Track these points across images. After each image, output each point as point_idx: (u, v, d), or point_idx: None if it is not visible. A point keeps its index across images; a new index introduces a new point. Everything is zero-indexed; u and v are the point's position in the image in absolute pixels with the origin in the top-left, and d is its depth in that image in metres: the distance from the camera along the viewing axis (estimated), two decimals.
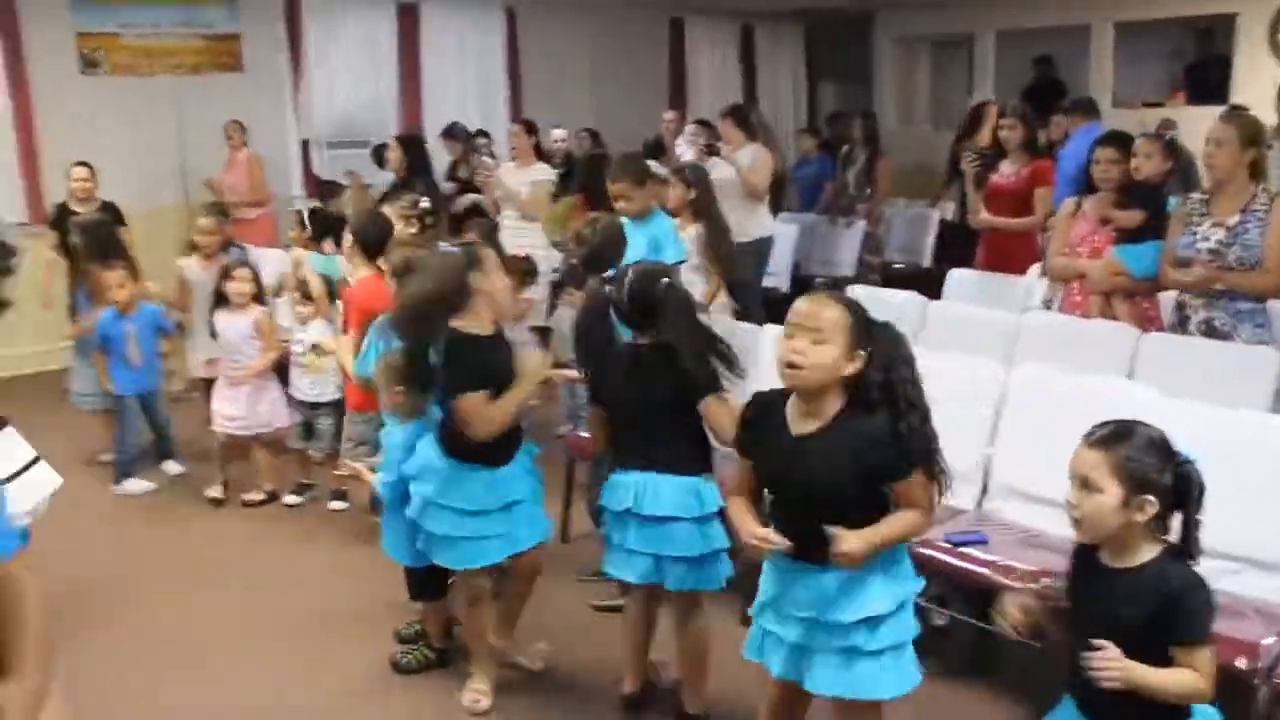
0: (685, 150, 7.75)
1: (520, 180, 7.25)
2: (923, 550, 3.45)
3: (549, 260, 6.48)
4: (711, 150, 7.10)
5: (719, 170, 7.06)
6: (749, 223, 7.04)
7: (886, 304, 5.74)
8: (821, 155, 9.86)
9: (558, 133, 9.16)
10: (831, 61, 13.53)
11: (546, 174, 7.31)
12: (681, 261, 4.98)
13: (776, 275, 7.77)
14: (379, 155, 8.50)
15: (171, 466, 5.96)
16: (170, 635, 4.23)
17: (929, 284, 6.26)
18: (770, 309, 6.41)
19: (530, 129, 7.65)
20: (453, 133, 9.07)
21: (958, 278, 6.18)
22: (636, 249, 4.44)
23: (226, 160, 8.89)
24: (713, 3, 11.58)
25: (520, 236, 6.83)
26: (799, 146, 10.57)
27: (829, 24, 12.27)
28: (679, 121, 9.19)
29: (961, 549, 3.58)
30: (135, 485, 5.74)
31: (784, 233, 8.03)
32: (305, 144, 9.82)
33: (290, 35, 9.62)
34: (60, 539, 4.81)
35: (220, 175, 8.80)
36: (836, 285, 6.62)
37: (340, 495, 5.39)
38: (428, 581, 3.88)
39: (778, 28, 12.87)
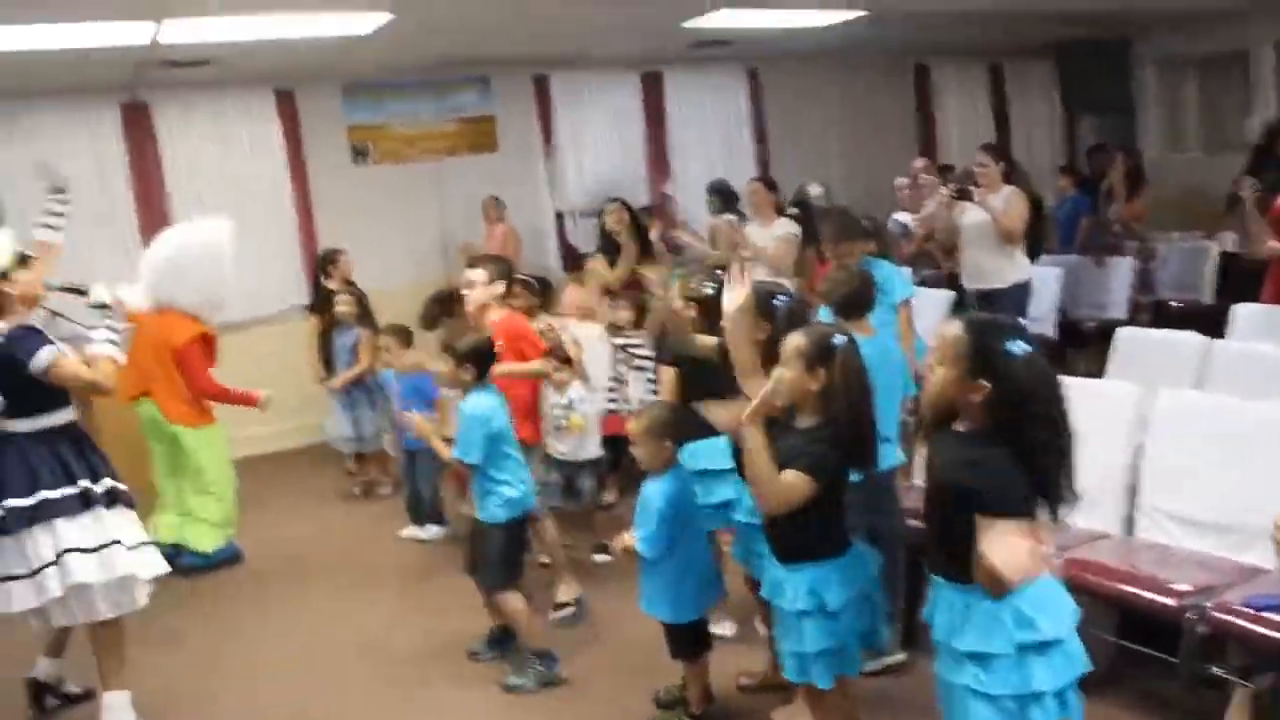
0: (930, 201, 7.55)
1: (765, 237, 7.23)
2: (1220, 615, 3.19)
3: None
4: (962, 194, 6.86)
5: (970, 215, 6.83)
6: (1005, 268, 6.77)
7: (1162, 345, 5.40)
8: (1080, 192, 9.42)
9: (815, 189, 9.10)
10: (1088, 92, 12.91)
11: (789, 229, 7.25)
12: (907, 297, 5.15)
13: (1040, 320, 7.40)
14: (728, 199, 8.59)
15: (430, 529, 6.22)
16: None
17: (1210, 322, 5.82)
18: None
19: (770, 185, 7.64)
20: (718, 189, 9.05)
21: (1244, 314, 5.73)
22: None
23: (485, 235, 9.27)
24: (958, 44, 11.29)
25: None
26: (1056, 185, 10.13)
27: (1083, 54, 11.72)
28: (928, 169, 8.97)
29: (1266, 613, 3.25)
30: (422, 531, 6.12)
31: (1046, 276, 7.66)
32: (559, 215, 10.12)
33: (540, 112, 9.98)
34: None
35: (474, 246, 9.15)
36: (1106, 327, 6.26)
37: (602, 549, 5.46)
38: (690, 640, 3.83)
39: (1027, 63, 12.43)
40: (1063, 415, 2.51)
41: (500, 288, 5.07)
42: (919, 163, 9.23)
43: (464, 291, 5.11)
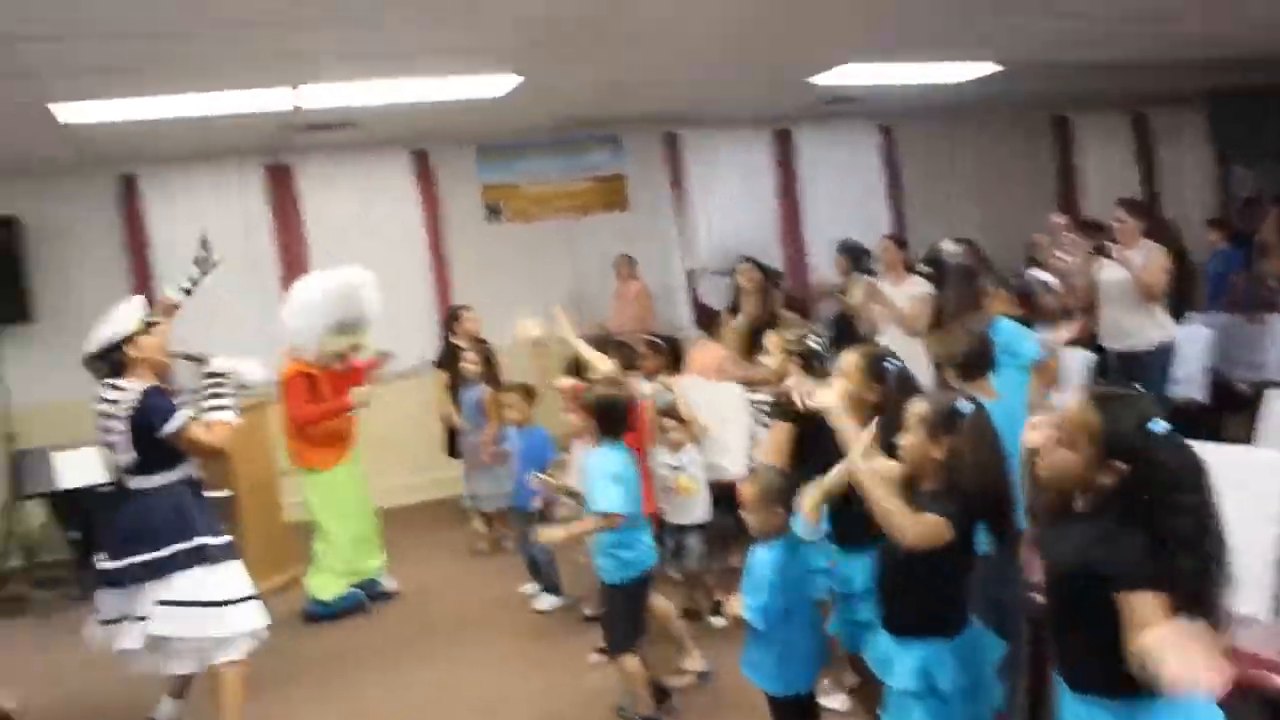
0: (1065, 256, 7.30)
1: (897, 296, 7.08)
2: None
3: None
4: (1100, 251, 6.61)
5: (1109, 272, 6.58)
6: (1147, 326, 6.49)
7: None
8: (1232, 246, 9.01)
9: (949, 247, 8.89)
10: (1243, 141, 12.38)
11: (922, 288, 7.09)
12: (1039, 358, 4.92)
13: (1187, 383, 7.05)
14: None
15: (546, 599, 6.15)
16: None
17: None
18: (1183, 420, 5.79)
19: (900, 243, 7.50)
20: (848, 248, 8.93)
21: None
22: None
23: (615, 293, 9.33)
24: (1100, 95, 10.97)
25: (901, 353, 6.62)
26: (1206, 238, 9.72)
27: (1237, 101, 11.25)
28: (1068, 225, 8.70)
29: None
30: (541, 600, 6.06)
31: (1194, 335, 7.30)
32: (690, 273, 10.13)
33: (671, 170, 10.04)
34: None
35: (613, 305, 9.21)
36: (1261, 390, 5.92)
37: (717, 610, 5.35)
38: (797, 713, 3.70)
39: (1175, 112, 12.00)
40: (1210, 509, 2.29)
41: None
42: (1058, 218, 8.96)
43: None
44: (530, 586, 6.22)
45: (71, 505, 7.11)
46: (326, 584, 6.18)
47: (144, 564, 4.17)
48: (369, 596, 6.37)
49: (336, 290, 6.18)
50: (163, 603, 4.16)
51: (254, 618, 4.38)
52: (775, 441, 3.94)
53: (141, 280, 8.40)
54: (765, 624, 3.49)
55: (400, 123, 8.05)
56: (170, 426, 4.18)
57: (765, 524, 3.54)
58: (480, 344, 7.54)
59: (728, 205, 10.30)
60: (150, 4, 4.64)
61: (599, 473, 4.25)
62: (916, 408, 2.98)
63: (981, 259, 8.48)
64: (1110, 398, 2.42)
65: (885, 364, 3.50)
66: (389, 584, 6.60)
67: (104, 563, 4.29)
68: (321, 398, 6.12)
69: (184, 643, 4.23)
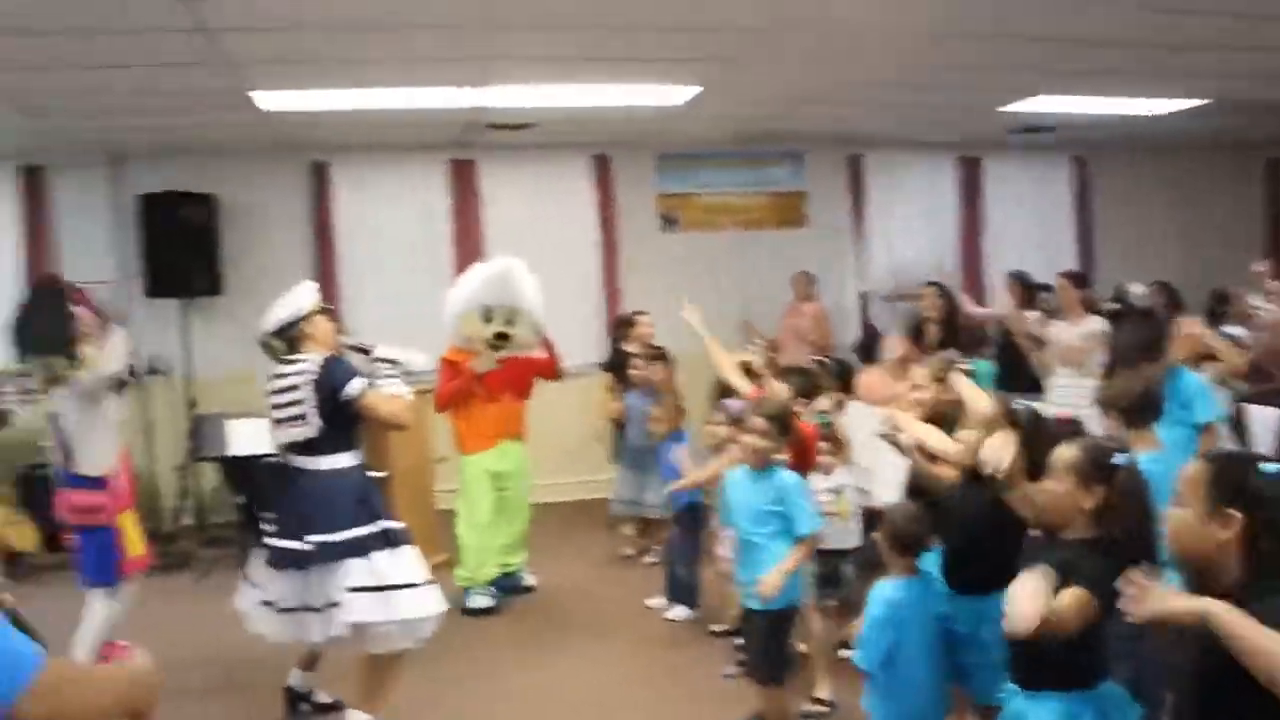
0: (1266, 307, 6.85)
1: (1071, 335, 6.79)
2: None
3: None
4: None
5: None
6: None
7: None
8: None
9: (1137, 289, 8.50)
10: None
11: (1097, 328, 6.76)
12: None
13: None
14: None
15: (678, 609, 6.07)
16: None
17: None
18: None
19: (1077, 281, 7.18)
20: (1018, 277, 8.62)
21: None
22: None
23: (789, 309, 9.19)
24: None
25: (1071, 395, 6.34)
26: None
27: None
28: (1272, 273, 8.17)
29: None
30: (670, 610, 6.01)
31: None
32: (863, 295, 9.95)
33: (852, 190, 9.88)
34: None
35: (783, 323, 9.08)
36: None
37: (844, 644, 5.20)
38: None
39: None
40: None
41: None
42: (1260, 266, 8.43)
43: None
44: (658, 600, 6.17)
45: (241, 472, 7.42)
46: (460, 571, 6.29)
47: (330, 545, 4.16)
48: (510, 589, 6.44)
49: (485, 273, 6.26)
50: (355, 589, 4.13)
51: (437, 601, 4.36)
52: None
53: (326, 262, 8.75)
54: (866, 662, 3.38)
55: (582, 126, 8.16)
56: (353, 388, 4.23)
57: (894, 562, 3.42)
58: (653, 351, 7.50)
59: (908, 229, 10.07)
60: (336, 2, 4.83)
61: (800, 494, 4.13)
62: (1065, 454, 2.83)
63: (1175, 304, 8.07)
64: (1221, 454, 2.41)
65: (1014, 407, 3.32)
66: (529, 579, 6.67)
67: (282, 541, 4.25)
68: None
69: (378, 627, 4.17)
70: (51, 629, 2.19)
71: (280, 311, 4.45)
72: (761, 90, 7.14)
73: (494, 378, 6.23)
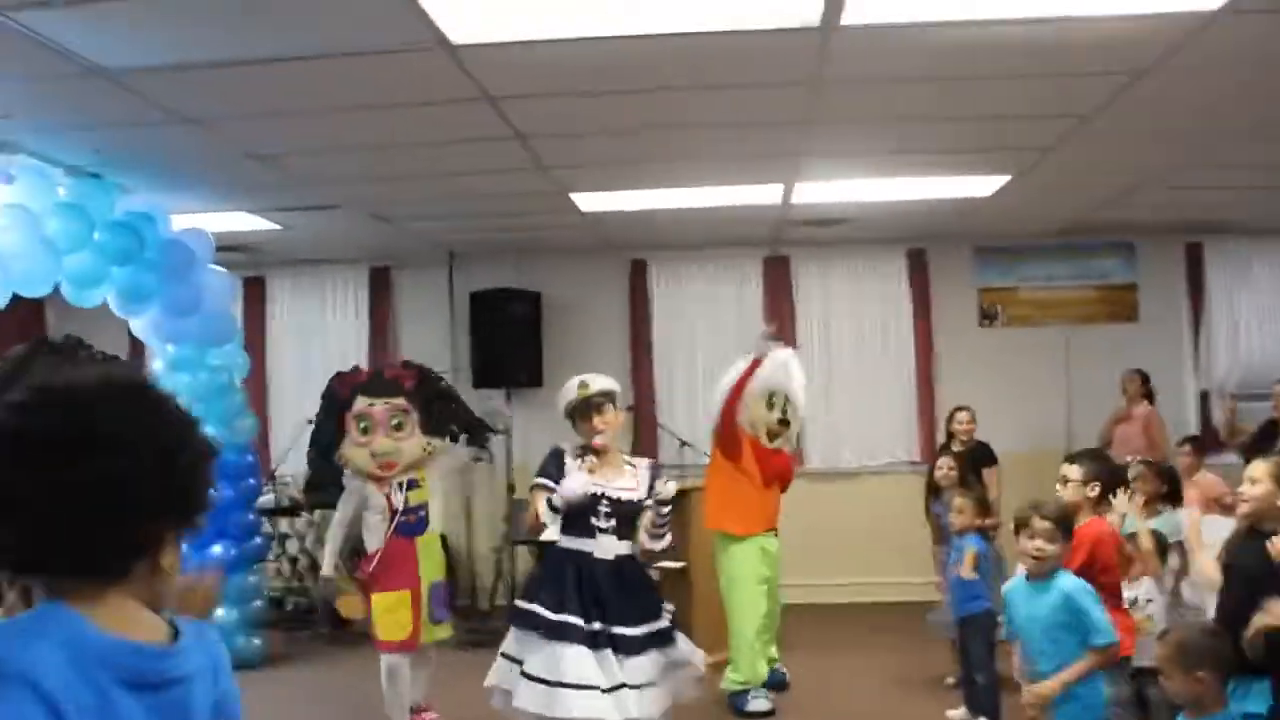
0: None
1: None
2: None
3: None
4: None
5: None
6: None
7: None
8: None
9: None
10: None
11: None
12: None
13: None
14: None
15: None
16: None
17: None
18: None
19: None
20: None
21: None
22: None
23: (1118, 412, 8.57)
24: None
25: None
26: None
27: None
28: None
29: None
30: None
31: None
32: (1204, 395, 9.18)
33: (1190, 281, 9.19)
34: None
35: (1109, 427, 8.49)
36: None
37: None
38: None
39: None
40: None
41: (1094, 490, 4.51)
42: None
43: (1057, 487, 4.62)
44: (960, 713, 5.76)
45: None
46: (740, 671, 6.04)
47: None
48: (775, 685, 6.22)
49: (775, 360, 6.19)
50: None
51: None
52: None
53: (639, 354, 9.01)
54: None
55: (893, 220, 8.06)
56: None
57: (1186, 691, 3.05)
58: (967, 449, 7.21)
59: (1256, 323, 9.22)
60: (650, 106, 5.02)
61: (1088, 597, 3.77)
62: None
63: None
64: None
65: None
66: (785, 673, 6.46)
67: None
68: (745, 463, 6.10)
69: None
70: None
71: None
72: (1074, 178, 6.78)
73: (766, 466, 6.13)
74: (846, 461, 9.11)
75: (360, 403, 5.57)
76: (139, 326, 6.60)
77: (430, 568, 5.56)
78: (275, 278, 9.44)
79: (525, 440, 8.82)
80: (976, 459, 7.16)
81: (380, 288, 9.30)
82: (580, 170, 6.23)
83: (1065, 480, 4.52)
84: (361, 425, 5.52)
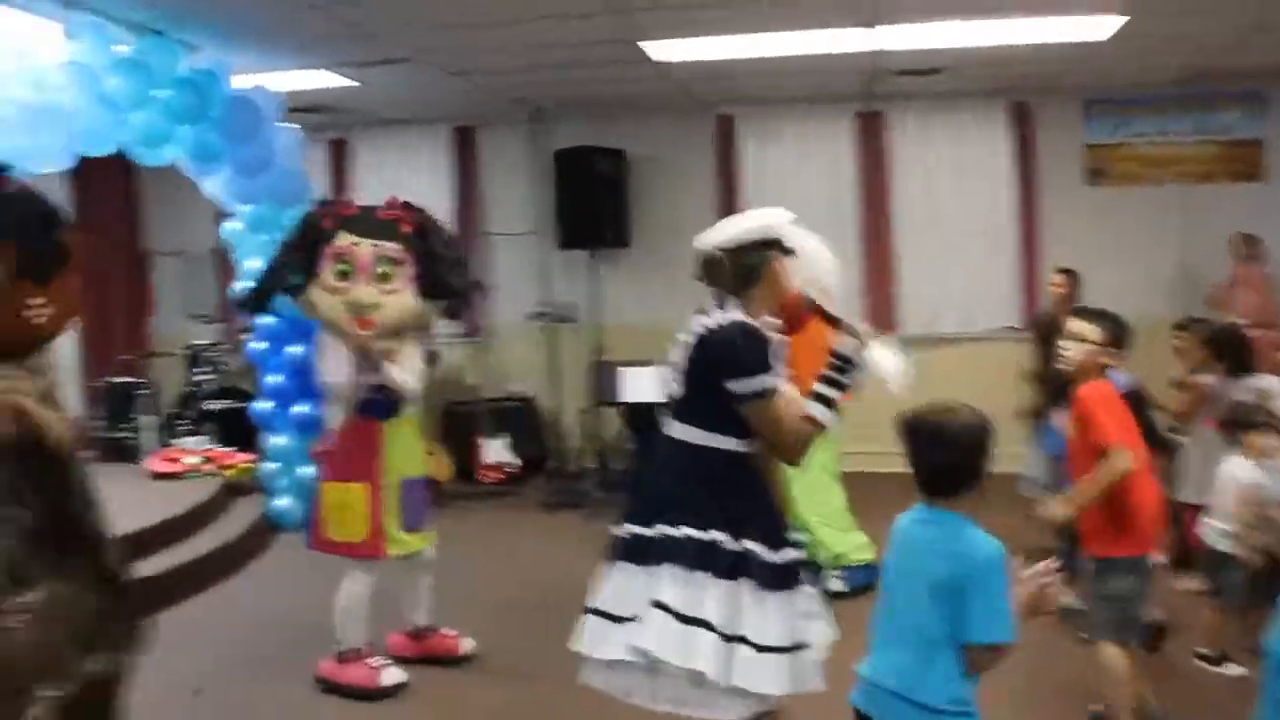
0: None
1: None
2: None
3: None
4: None
5: None
6: None
7: None
8: None
9: None
10: None
11: None
12: None
13: None
14: None
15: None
16: None
17: None
18: None
19: None
20: None
21: None
22: None
23: (1232, 275, 8.11)
24: None
25: None
26: None
27: None
28: None
29: None
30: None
31: None
32: None
33: None
34: None
35: (1222, 289, 8.03)
36: None
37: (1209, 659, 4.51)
38: None
39: None
40: None
41: (1109, 355, 3.81)
42: None
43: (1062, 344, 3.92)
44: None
45: (636, 418, 7.64)
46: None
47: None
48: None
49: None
50: (659, 604, 2.94)
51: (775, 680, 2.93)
52: None
53: (729, 215, 8.76)
54: None
55: (996, 70, 7.59)
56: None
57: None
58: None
59: None
60: None
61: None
62: None
63: None
64: None
65: None
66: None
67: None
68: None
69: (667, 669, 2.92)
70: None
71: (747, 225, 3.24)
72: (1206, 20, 6.23)
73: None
74: (946, 327, 8.83)
75: (343, 239, 4.37)
76: (212, 186, 6.56)
77: (402, 460, 4.54)
78: (358, 139, 9.35)
79: (612, 302, 8.72)
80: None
81: (464, 147, 9.17)
82: (650, 12, 5.89)
83: (1081, 337, 3.85)
84: (340, 268, 4.35)
